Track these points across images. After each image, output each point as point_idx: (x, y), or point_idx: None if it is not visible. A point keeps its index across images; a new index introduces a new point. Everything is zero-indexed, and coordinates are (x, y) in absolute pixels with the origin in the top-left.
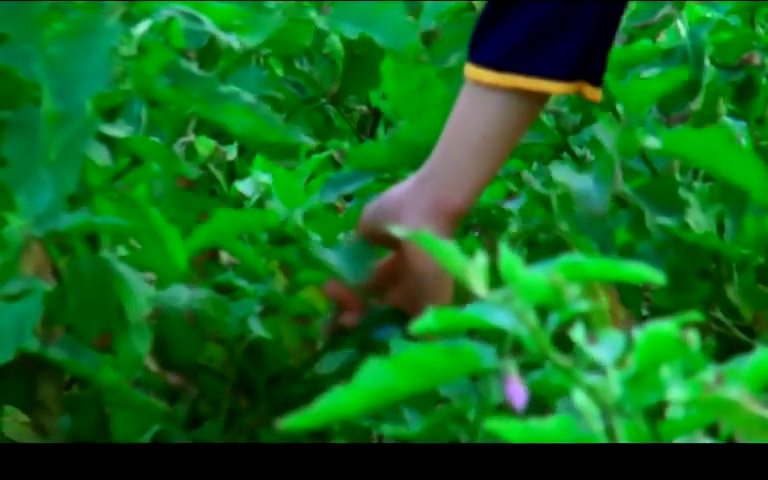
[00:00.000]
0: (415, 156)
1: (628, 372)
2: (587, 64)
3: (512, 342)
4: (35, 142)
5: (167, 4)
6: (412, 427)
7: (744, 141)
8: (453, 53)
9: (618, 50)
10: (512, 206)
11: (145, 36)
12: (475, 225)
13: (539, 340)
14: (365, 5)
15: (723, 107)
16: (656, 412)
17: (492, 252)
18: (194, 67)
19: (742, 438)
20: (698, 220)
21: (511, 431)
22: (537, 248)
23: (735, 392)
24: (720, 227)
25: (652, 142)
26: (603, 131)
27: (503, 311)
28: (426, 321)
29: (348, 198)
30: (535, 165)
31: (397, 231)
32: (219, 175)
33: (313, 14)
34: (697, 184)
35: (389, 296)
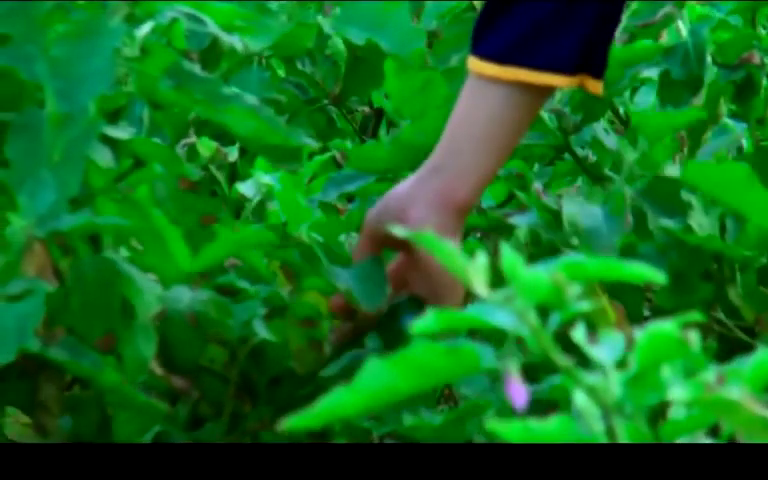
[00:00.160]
0: (417, 157)
1: (629, 372)
2: (589, 57)
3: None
4: (38, 143)
5: (170, 5)
6: (433, 421)
7: (745, 142)
8: (454, 53)
9: (619, 49)
10: (520, 220)
11: (148, 37)
12: (477, 228)
13: (540, 340)
14: (371, 10)
15: (724, 107)
16: (658, 412)
17: (494, 254)
18: (197, 69)
19: (743, 438)
20: (701, 222)
21: (511, 431)
22: (540, 247)
23: (736, 392)
24: (722, 227)
25: (671, 170)
26: (608, 136)
27: (504, 311)
28: (427, 321)
29: (350, 200)
30: (537, 166)
31: (400, 232)
32: (220, 176)
33: (319, 18)
34: None
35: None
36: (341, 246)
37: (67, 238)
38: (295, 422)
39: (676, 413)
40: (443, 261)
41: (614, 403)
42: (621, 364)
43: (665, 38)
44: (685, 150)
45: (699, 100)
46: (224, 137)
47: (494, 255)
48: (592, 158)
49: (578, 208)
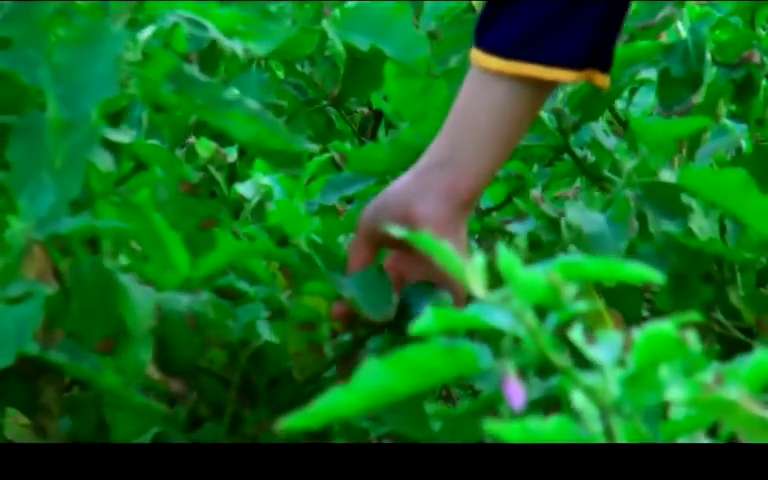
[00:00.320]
0: (416, 158)
1: (627, 372)
2: (597, 51)
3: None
4: (39, 147)
5: (172, 8)
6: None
7: (744, 143)
8: (454, 55)
9: (620, 48)
10: (519, 228)
11: (149, 42)
12: (475, 233)
13: (538, 340)
14: (375, 16)
15: (723, 108)
16: (659, 413)
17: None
18: (198, 73)
19: (742, 438)
20: (701, 226)
21: (510, 432)
22: (540, 251)
23: (734, 392)
24: (722, 229)
25: (668, 176)
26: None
27: (502, 311)
28: (425, 321)
29: (349, 200)
30: (536, 167)
31: (398, 232)
32: (219, 177)
33: (324, 23)
34: None
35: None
36: (340, 247)
37: (66, 242)
38: (293, 422)
39: (675, 413)
40: (442, 262)
41: (612, 403)
42: (619, 364)
43: (664, 39)
44: (684, 151)
45: (698, 98)
46: (223, 138)
47: (491, 257)
48: (591, 159)
49: (580, 214)
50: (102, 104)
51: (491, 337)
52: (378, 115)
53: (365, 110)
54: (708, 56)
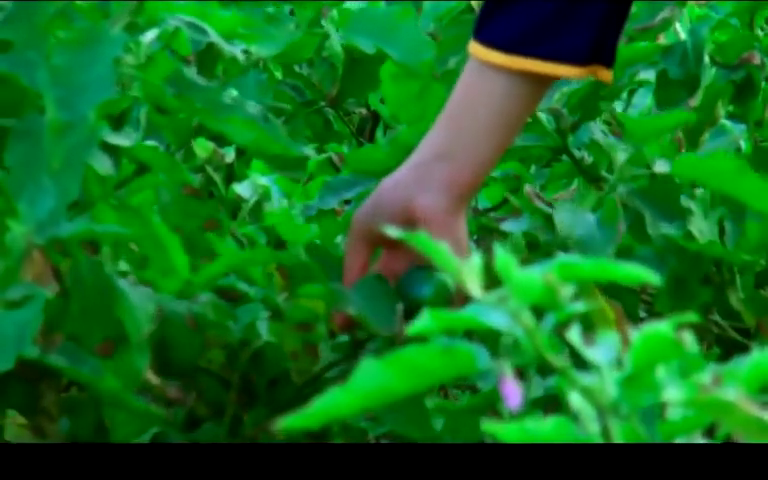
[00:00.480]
0: None
1: (624, 373)
2: (601, 46)
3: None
4: (38, 150)
5: (172, 10)
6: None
7: (743, 144)
8: (453, 56)
9: (619, 48)
10: (513, 227)
11: (151, 45)
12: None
13: (535, 340)
14: (380, 19)
15: (722, 110)
16: (657, 413)
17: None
18: (197, 76)
19: (739, 439)
20: (701, 228)
21: (508, 432)
22: (537, 251)
23: (732, 393)
24: (721, 230)
25: (661, 166)
26: (605, 137)
27: (498, 312)
28: (423, 322)
29: (347, 201)
30: (533, 168)
31: (392, 232)
32: (217, 178)
33: (326, 25)
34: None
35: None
36: (337, 247)
37: (66, 245)
38: (291, 422)
39: (673, 414)
40: (438, 262)
41: (609, 404)
42: (617, 365)
43: (663, 41)
44: (683, 152)
45: (695, 101)
46: (221, 138)
47: (488, 257)
48: (589, 159)
49: (570, 216)
50: (101, 106)
51: (489, 337)
52: (376, 116)
53: (363, 111)
54: (707, 58)
